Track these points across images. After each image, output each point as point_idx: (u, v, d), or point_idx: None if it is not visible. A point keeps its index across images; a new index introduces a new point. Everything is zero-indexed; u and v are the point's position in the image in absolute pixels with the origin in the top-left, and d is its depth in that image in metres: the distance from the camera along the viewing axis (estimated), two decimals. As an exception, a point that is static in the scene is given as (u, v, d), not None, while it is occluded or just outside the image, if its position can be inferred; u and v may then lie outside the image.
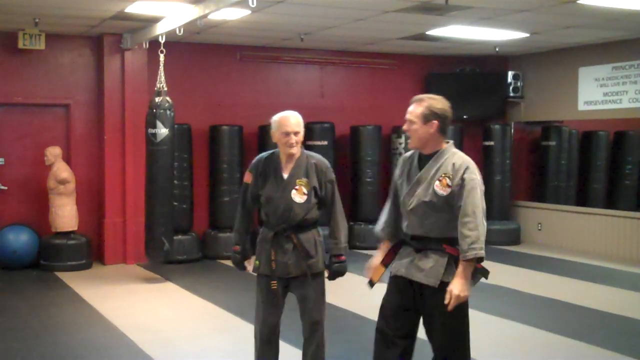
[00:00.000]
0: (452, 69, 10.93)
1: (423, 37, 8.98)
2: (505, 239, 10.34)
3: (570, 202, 10.75)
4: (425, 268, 3.41)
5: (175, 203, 8.27)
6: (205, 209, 9.52)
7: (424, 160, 3.51)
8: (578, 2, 6.85)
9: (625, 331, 5.97)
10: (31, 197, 8.81)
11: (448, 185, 3.37)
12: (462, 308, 3.36)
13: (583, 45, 9.82)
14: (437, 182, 3.39)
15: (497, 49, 9.86)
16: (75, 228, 8.51)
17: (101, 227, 8.92)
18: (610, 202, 10.64)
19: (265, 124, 10.19)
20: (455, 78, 10.89)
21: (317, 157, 4.09)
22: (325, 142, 9.61)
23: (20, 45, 8.30)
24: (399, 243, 3.63)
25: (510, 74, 10.80)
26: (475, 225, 3.27)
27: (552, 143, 10.94)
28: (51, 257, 8.37)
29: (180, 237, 8.77)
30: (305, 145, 9.70)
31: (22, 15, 7.60)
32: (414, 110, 3.47)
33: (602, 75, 9.73)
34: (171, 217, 7.88)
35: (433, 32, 8.63)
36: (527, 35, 8.83)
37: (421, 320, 3.53)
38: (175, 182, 8.42)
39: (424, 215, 3.43)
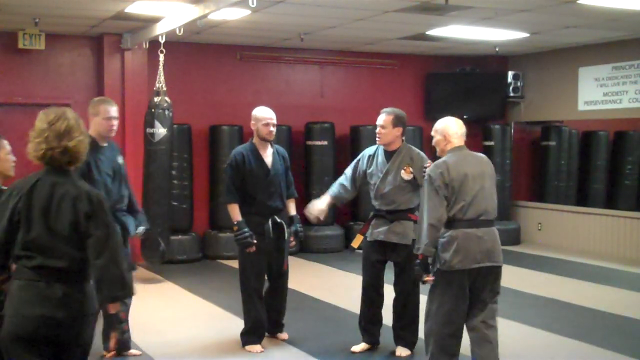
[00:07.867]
0: (452, 69, 10.92)
1: (423, 37, 8.98)
2: (505, 239, 10.20)
3: (570, 202, 10.73)
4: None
5: (175, 203, 8.25)
6: (205, 209, 9.51)
7: None
8: (578, 2, 6.85)
9: (625, 331, 5.97)
10: (31, 197, 8.79)
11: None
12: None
13: (583, 45, 9.82)
14: None
15: (497, 49, 9.86)
16: (75, 228, 8.48)
17: (101, 227, 8.89)
18: (610, 202, 10.62)
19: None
20: (455, 78, 10.88)
21: None
22: (325, 142, 9.58)
23: (20, 45, 8.30)
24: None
25: (510, 74, 10.78)
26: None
27: (552, 143, 10.93)
28: (51, 257, 8.34)
29: (180, 237, 8.77)
30: (305, 145, 9.83)
31: (22, 15, 7.60)
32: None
33: (602, 75, 9.73)
34: (168, 217, 7.86)
35: (433, 32, 8.62)
36: (527, 35, 8.83)
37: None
38: (175, 182, 8.41)
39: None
